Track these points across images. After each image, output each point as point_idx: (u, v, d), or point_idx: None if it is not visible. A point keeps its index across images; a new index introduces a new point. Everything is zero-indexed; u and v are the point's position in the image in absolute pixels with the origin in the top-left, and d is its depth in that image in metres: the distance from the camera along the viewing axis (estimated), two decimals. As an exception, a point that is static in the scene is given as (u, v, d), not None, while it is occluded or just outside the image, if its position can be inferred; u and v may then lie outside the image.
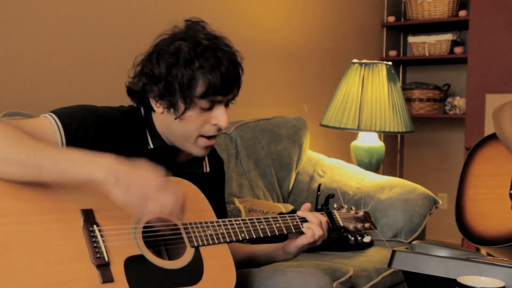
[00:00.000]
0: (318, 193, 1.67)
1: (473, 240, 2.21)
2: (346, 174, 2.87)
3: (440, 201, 2.70)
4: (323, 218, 1.53)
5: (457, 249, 1.56)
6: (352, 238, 1.62)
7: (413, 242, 1.64)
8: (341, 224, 1.60)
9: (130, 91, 1.44)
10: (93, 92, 2.40)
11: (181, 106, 1.37)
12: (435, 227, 4.08)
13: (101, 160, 1.19)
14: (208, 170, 1.57)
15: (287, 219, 1.50)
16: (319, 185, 1.70)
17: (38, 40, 2.24)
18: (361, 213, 1.66)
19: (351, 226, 1.61)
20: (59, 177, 1.18)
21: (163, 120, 1.42)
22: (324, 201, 1.63)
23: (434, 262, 1.49)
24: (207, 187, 1.46)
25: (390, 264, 1.59)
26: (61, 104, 2.20)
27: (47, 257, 1.15)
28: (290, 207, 2.58)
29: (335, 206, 1.65)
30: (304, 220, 1.52)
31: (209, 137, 1.43)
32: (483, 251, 2.23)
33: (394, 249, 1.60)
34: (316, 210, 1.60)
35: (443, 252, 1.53)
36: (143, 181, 1.19)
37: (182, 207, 1.24)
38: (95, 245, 1.20)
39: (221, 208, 1.58)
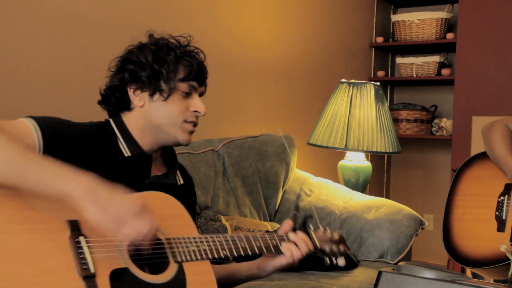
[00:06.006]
0: (296, 213, 1.67)
1: (459, 261, 2.21)
2: (333, 193, 2.86)
3: (427, 222, 2.71)
4: (310, 244, 1.56)
5: (443, 271, 1.56)
6: (328, 261, 1.62)
7: (399, 263, 1.64)
8: (318, 246, 1.61)
9: (107, 92, 1.50)
10: (66, 100, 2.38)
11: (166, 89, 1.47)
12: (421, 248, 4.08)
13: (82, 177, 1.20)
14: (182, 182, 1.60)
15: (267, 239, 1.52)
16: (296, 205, 1.71)
17: (12, 44, 2.22)
18: (336, 235, 1.67)
19: (327, 249, 1.62)
20: (40, 186, 1.18)
21: (144, 113, 1.48)
22: (302, 222, 1.63)
23: (420, 284, 1.49)
24: (182, 199, 1.48)
25: (376, 285, 1.58)
26: (42, 110, 2.18)
27: (35, 267, 1.14)
28: (276, 225, 2.57)
29: (311, 226, 1.65)
30: (283, 239, 1.55)
31: (191, 122, 1.51)
32: (469, 271, 2.23)
33: (380, 270, 1.59)
34: (294, 230, 1.61)
35: (429, 274, 1.52)
36: (121, 204, 1.21)
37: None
38: (81, 256, 1.19)
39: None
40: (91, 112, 1.67)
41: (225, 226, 2.36)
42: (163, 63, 1.47)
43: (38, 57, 2.25)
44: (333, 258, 1.62)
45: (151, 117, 1.48)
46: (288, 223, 1.59)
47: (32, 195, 1.19)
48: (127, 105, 1.49)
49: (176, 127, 1.49)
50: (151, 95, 1.47)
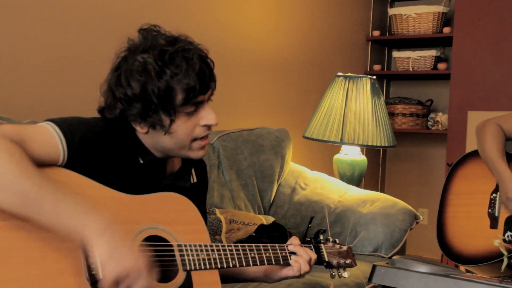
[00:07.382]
0: (310, 225, 1.71)
1: (453, 258, 2.22)
2: (328, 187, 2.86)
3: (421, 217, 2.71)
4: (313, 255, 1.57)
5: (437, 265, 1.56)
6: (334, 274, 1.65)
7: (394, 257, 1.64)
8: (326, 259, 1.64)
9: (106, 119, 1.38)
10: (76, 96, 2.37)
11: (166, 120, 1.33)
12: (415, 242, 4.09)
13: (96, 215, 1.17)
14: (195, 180, 1.56)
15: (277, 250, 1.53)
16: (311, 218, 1.76)
17: (19, 43, 2.21)
18: (344, 248, 1.70)
19: (334, 262, 1.65)
20: (54, 219, 1.14)
21: (150, 137, 1.38)
22: (314, 235, 1.67)
23: (414, 278, 1.49)
24: (195, 198, 1.46)
25: (370, 279, 1.58)
26: (45, 109, 2.17)
27: (43, 270, 1.14)
28: (271, 218, 2.57)
29: (321, 238, 1.66)
30: (293, 252, 1.56)
31: (202, 138, 1.40)
32: (462, 268, 2.24)
33: (374, 264, 1.59)
34: (305, 242, 1.63)
35: (423, 268, 1.52)
36: (130, 257, 1.17)
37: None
38: (91, 260, 1.18)
39: (203, 217, 1.58)
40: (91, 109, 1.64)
41: (219, 219, 2.35)
42: (154, 93, 1.29)
43: (37, 50, 2.24)
44: (338, 272, 1.65)
45: (158, 142, 1.37)
46: (295, 240, 1.59)
47: (45, 228, 1.15)
48: (131, 127, 1.37)
49: (185, 150, 1.39)
50: (151, 127, 1.34)
